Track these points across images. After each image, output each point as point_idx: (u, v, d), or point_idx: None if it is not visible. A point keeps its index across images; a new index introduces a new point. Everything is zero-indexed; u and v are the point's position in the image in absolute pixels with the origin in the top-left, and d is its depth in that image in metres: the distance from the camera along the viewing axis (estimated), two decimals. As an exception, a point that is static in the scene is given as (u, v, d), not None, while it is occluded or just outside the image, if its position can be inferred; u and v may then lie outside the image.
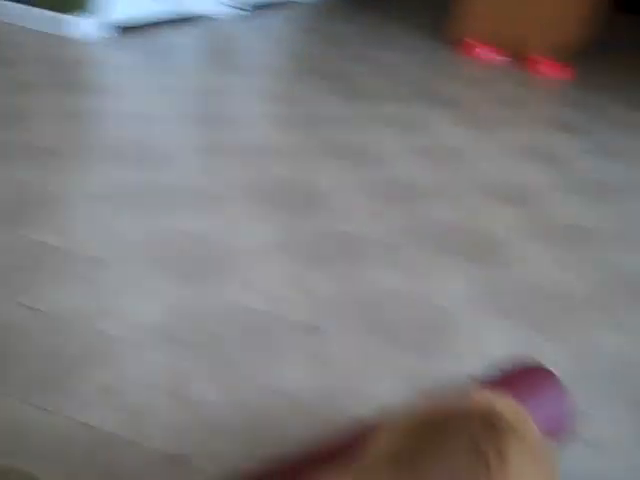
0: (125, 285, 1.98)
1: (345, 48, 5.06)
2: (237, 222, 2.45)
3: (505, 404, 0.90)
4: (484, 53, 5.47)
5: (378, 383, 1.78)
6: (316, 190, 2.79)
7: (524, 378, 1.53)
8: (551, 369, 1.54)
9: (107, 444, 1.46)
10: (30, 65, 3.56)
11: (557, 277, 2.41)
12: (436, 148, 3.44)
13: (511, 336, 2.05)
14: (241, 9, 5.57)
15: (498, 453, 0.83)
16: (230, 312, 1.96)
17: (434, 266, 2.37)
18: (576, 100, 4.73)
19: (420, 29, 6.15)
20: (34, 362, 1.64)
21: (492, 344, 2.00)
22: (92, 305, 1.87)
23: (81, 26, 4.16)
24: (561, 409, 1.50)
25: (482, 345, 1.99)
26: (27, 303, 1.83)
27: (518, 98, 4.58)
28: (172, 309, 1.92)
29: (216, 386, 1.68)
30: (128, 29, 4.42)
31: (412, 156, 3.28)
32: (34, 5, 4.16)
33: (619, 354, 2.05)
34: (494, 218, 2.79)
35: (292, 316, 1.99)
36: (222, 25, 5.14)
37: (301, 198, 2.70)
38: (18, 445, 1.41)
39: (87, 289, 1.93)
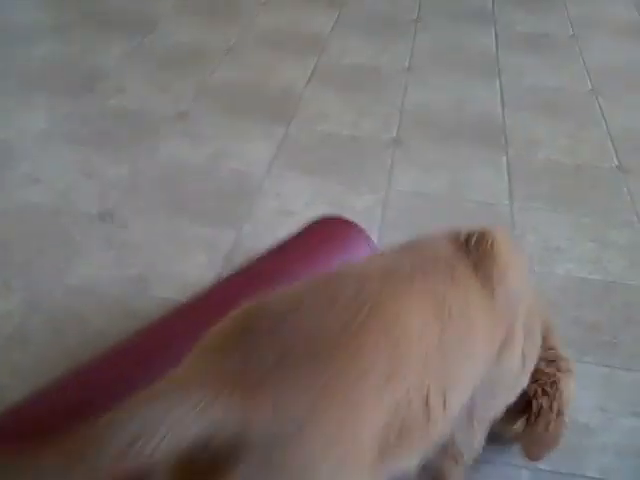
0: None
1: None
2: (9, 113, 2.21)
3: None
4: None
5: (185, 262, 1.72)
6: (93, 68, 2.57)
7: (331, 230, 1.52)
8: (354, 221, 1.53)
9: None
10: None
11: (347, 123, 2.39)
12: (214, 6, 3.25)
13: (317, 190, 2.03)
14: None
15: (488, 241, 1.02)
16: (18, 212, 1.79)
17: (230, 131, 2.27)
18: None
19: None
20: None
21: (299, 201, 1.98)
22: None
23: None
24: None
25: (289, 204, 1.96)
26: None
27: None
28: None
29: (12, 295, 1.55)
30: None
31: (188, 18, 3.07)
32: None
33: (419, 193, 2.09)
34: (286, 72, 2.70)
35: (84, 206, 1.85)
36: None
37: (76, 78, 2.48)
38: None
39: None
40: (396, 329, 0.84)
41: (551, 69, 2.89)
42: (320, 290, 0.87)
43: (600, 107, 2.61)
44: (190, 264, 1.70)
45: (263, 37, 2.95)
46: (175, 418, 0.67)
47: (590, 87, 2.76)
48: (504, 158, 2.26)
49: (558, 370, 1.24)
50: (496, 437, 1.24)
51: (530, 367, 1.16)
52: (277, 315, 0.83)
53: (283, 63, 2.76)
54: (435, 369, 0.88)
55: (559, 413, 1.22)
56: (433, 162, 2.22)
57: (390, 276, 0.90)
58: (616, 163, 2.28)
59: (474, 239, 1.03)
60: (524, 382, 1.16)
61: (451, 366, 0.91)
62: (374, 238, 1.57)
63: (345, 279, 0.89)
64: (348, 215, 1.55)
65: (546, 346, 1.22)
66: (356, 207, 1.97)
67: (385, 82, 2.69)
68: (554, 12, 3.47)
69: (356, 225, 1.52)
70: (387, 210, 1.98)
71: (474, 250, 1.02)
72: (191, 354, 0.84)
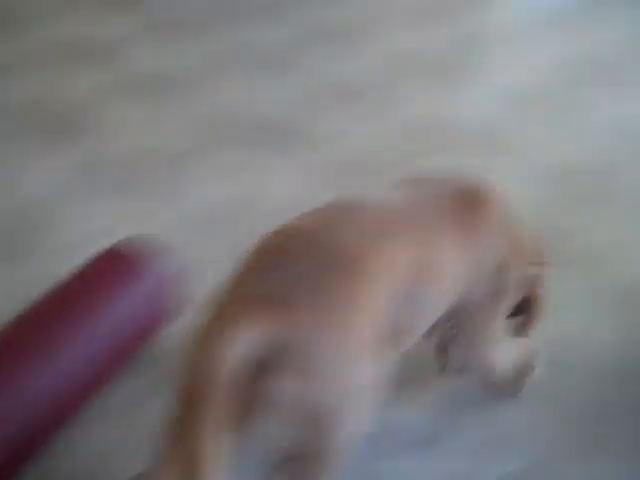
0: None
1: None
2: None
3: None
4: None
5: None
6: None
7: (112, 265, 1.44)
8: (155, 237, 1.48)
9: None
10: None
11: (151, 131, 2.32)
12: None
13: (118, 210, 1.96)
14: None
15: (478, 191, 1.23)
16: None
17: (18, 155, 2.14)
18: None
19: None
20: None
21: (97, 226, 1.89)
22: None
23: None
24: (161, 285, 1.45)
25: (87, 231, 1.87)
26: None
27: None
28: None
29: None
30: None
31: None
32: None
33: (224, 200, 2.06)
34: (75, 83, 2.57)
35: None
36: None
37: None
38: None
39: None
40: (386, 250, 1.06)
41: (346, 59, 2.90)
42: (323, 216, 1.08)
43: (395, 94, 2.66)
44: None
45: (49, 50, 2.80)
46: (232, 342, 0.91)
47: (384, 74, 2.81)
48: (279, 158, 2.26)
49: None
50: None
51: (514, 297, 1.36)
52: (301, 234, 1.04)
53: (75, 76, 2.62)
54: (417, 283, 1.10)
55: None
56: (234, 168, 2.19)
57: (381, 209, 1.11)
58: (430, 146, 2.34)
59: (467, 191, 1.22)
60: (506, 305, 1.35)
61: (426, 282, 1.13)
62: (179, 252, 1.51)
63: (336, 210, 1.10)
64: (152, 231, 1.47)
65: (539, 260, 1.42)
66: (158, 223, 1.91)
67: (182, 88, 2.62)
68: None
69: (141, 253, 1.45)
70: (191, 222, 1.94)
71: (465, 198, 1.21)
72: (237, 272, 1.02)
